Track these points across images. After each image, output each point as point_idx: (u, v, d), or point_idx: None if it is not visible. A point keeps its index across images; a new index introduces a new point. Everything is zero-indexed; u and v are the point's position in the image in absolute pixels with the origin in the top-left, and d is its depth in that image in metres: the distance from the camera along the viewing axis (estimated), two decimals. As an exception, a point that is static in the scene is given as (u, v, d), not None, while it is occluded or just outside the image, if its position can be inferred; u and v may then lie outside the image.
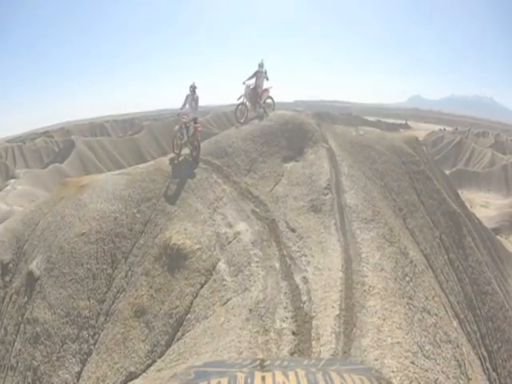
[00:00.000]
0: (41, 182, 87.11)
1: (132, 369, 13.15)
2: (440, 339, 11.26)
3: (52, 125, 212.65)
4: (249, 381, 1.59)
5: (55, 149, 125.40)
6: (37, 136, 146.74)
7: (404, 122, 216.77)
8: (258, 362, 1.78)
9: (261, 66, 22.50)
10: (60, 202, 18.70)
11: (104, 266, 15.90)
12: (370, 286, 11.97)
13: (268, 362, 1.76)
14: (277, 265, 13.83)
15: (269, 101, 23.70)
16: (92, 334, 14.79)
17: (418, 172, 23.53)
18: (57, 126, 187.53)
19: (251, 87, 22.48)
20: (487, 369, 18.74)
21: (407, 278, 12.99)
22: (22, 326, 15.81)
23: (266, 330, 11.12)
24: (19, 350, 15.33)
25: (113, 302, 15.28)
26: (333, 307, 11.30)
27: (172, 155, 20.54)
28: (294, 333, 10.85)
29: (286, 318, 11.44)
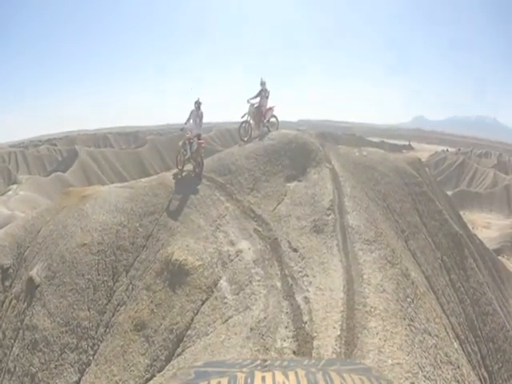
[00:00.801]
0: (43, 190, 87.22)
1: (131, 382, 13.15)
2: (440, 360, 11.21)
3: (55, 133, 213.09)
4: (249, 381, 1.61)
5: (58, 157, 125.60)
6: (40, 143, 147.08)
7: (407, 142, 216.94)
8: (258, 362, 1.80)
9: (263, 84, 22.61)
10: (62, 211, 18.78)
11: (105, 278, 15.95)
12: (371, 307, 11.96)
13: (268, 362, 1.78)
14: (278, 284, 13.79)
15: (273, 119, 23.75)
16: (91, 344, 14.80)
17: (420, 193, 23.54)
18: (60, 135, 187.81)
19: (255, 106, 22.59)
20: None
21: (408, 300, 12.96)
22: (20, 331, 15.83)
23: (267, 349, 11.09)
24: (17, 355, 15.35)
25: (113, 315, 15.30)
26: (334, 328, 11.29)
27: (175, 170, 20.64)
28: (294, 352, 10.81)
29: (287, 337, 11.40)
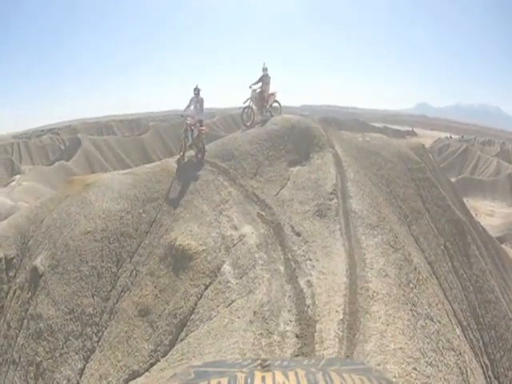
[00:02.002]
0: (46, 179, 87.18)
1: (135, 367, 13.18)
2: (443, 346, 11.24)
3: (58, 122, 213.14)
4: (249, 381, 1.60)
5: (61, 146, 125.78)
6: (43, 133, 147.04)
7: (410, 128, 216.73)
8: (258, 362, 1.78)
9: (265, 70, 22.63)
10: (66, 200, 18.80)
11: (109, 265, 15.98)
12: (373, 292, 11.99)
13: (268, 362, 1.77)
14: (281, 268, 13.83)
15: (275, 105, 23.80)
16: (96, 331, 14.83)
17: (423, 179, 23.50)
18: (63, 124, 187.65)
19: (257, 91, 22.65)
20: (489, 377, 18.68)
21: (411, 285, 12.97)
22: (25, 321, 15.86)
23: (270, 333, 11.13)
24: (22, 344, 15.39)
25: (117, 301, 15.33)
26: (336, 311, 11.31)
27: (178, 157, 20.68)
28: (297, 336, 10.86)
29: (290, 321, 11.44)
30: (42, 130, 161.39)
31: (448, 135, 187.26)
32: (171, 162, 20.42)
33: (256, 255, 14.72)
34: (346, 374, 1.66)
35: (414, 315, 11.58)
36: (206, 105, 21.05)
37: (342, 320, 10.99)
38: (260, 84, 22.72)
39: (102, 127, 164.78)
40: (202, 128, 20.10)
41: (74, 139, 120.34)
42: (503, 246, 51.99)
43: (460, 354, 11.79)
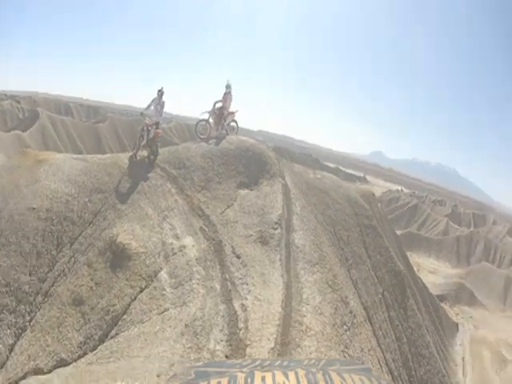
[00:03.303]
0: (2, 146, 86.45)
1: (63, 355, 12.96)
2: None
3: (19, 91, 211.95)
4: (249, 381, 1.82)
5: (20, 116, 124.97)
6: (5, 97, 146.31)
7: (362, 175, 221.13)
8: (258, 362, 2.06)
9: (228, 87, 22.73)
10: (17, 171, 18.54)
11: (49, 246, 15.66)
12: (307, 327, 12.06)
13: (268, 362, 2.02)
14: (218, 287, 13.83)
15: (233, 124, 23.91)
16: (29, 310, 14.47)
17: (369, 226, 23.92)
18: (24, 94, 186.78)
19: (217, 106, 22.63)
20: None
21: (345, 327, 13.20)
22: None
23: (200, 348, 11.08)
24: (-46, 310, 15.12)
25: (53, 284, 15.02)
26: (268, 339, 11.37)
27: (131, 154, 20.60)
28: (226, 356, 10.84)
29: (221, 340, 11.42)
30: (5, 95, 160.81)
31: (399, 188, 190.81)
32: (123, 158, 20.24)
33: (194, 268, 14.70)
34: (345, 374, 1.89)
35: (345, 356, 11.77)
36: (164, 108, 20.87)
37: (272, 349, 11.04)
38: (222, 101, 22.70)
39: (61, 106, 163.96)
40: (158, 131, 20.07)
41: (33, 111, 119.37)
42: (443, 304, 52.77)
43: (390, 404, 11.80)
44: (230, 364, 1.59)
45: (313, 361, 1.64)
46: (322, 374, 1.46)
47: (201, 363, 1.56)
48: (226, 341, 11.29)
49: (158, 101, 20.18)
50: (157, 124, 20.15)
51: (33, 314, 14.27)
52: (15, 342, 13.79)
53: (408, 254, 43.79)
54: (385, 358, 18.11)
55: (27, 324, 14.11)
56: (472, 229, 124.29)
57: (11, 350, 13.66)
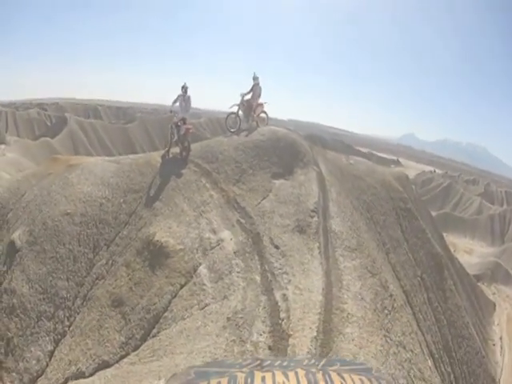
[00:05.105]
0: (30, 154, 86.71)
1: (105, 358, 13.05)
2: (414, 375, 11.30)
3: (45, 98, 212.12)
4: (249, 381, 1.60)
5: (47, 122, 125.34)
6: (31, 106, 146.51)
7: (395, 158, 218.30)
8: (258, 362, 1.78)
9: (255, 79, 22.62)
10: (48, 177, 18.79)
11: (85, 250, 15.88)
12: (348, 314, 11.97)
13: (268, 362, 1.77)
14: (258, 278, 13.80)
15: (262, 115, 23.79)
16: (68, 315, 14.71)
17: (404, 209, 23.79)
18: (50, 101, 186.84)
19: (245, 98, 22.65)
20: None
21: (386, 311, 13.04)
22: (-2, 294, 15.77)
23: (243, 341, 11.07)
24: (-6, 318, 15.29)
25: (91, 288, 15.21)
26: (310, 328, 11.26)
27: (163, 152, 20.72)
28: (270, 347, 10.81)
29: (264, 332, 11.39)
30: (31, 103, 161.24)
31: (432, 169, 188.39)
32: (156, 156, 20.37)
33: (233, 262, 14.69)
34: (346, 374, 1.66)
35: (387, 341, 11.61)
36: (193, 104, 21.12)
37: (315, 337, 10.95)
38: (251, 93, 22.67)
39: (90, 110, 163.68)
40: (189, 127, 20.07)
41: (61, 118, 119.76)
42: (479, 284, 52.30)
43: (431, 384, 11.74)
44: (229, 364, 1.65)
45: (313, 361, 1.71)
46: (322, 374, 1.52)
47: (201, 363, 1.63)
48: (269, 332, 11.30)
49: (183, 97, 20.27)
50: (183, 120, 20.20)
51: (72, 319, 14.50)
52: (55, 348, 13.98)
53: (444, 234, 43.49)
54: (426, 340, 18.05)
55: (66, 329, 14.33)
56: (505, 207, 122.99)
57: (51, 356, 13.86)
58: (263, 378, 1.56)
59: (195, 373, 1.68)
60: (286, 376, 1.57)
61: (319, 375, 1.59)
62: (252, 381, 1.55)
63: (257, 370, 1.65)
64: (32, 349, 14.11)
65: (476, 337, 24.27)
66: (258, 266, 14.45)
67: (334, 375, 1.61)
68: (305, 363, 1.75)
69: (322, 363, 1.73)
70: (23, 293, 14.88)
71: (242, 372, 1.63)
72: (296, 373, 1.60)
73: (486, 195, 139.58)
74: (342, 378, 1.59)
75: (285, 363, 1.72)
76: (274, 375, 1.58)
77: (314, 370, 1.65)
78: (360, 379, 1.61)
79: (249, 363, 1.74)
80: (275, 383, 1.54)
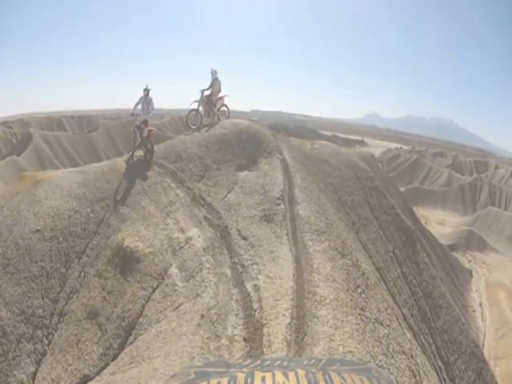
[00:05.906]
0: None
1: (86, 371, 12.99)
2: (393, 350, 11.41)
3: (10, 115, 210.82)
4: (249, 381, 1.60)
5: (13, 140, 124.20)
6: None
7: (360, 138, 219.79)
8: (258, 362, 1.81)
9: (214, 73, 22.72)
10: (16, 196, 18.49)
11: (58, 265, 15.68)
12: (321, 296, 12.06)
13: (268, 362, 1.80)
14: (228, 272, 13.88)
15: (223, 109, 23.96)
16: (46, 334, 14.53)
17: (372, 187, 23.99)
18: (15, 118, 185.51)
19: (205, 94, 22.74)
20: (444, 379, 19.02)
21: (359, 290, 13.18)
22: (-24, 321, 15.56)
23: (218, 336, 11.11)
24: (-26, 345, 15.09)
25: (66, 303, 15.08)
26: (284, 315, 11.37)
27: (127, 156, 20.68)
28: (245, 339, 10.85)
29: (238, 324, 11.44)
30: None
31: (398, 146, 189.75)
32: (120, 162, 20.34)
33: (203, 258, 14.79)
34: (346, 374, 1.67)
35: (362, 320, 11.74)
36: (156, 105, 20.95)
37: (289, 324, 11.05)
38: (210, 88, 22.75)
39: (54, 122, 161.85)
40: (151, 128, 20.04)
41: (26, 134, 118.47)
42: (454, 253, 52.90)
43: (412, 356, 12.07)
44: (229, 364, 1.66)
45: (313, 361, 1.73)
46: (322, 374, 1.54)
47: (201, 363, 1.61)
48: (243, 324, 11.34)
49: (145, 99, 20.20)
50: (145, 122, 20.16)
51: (50, 337, 14.35)
52: (37, 369, 13.82)
53: (414, 208, 43.82)
54: (403, 314, 18.24)
55: (46, 348, 14.16)
56: (475, 176, 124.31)
57: (34, 377, 13.71)
58: (263, 378, 1.58)
59: (195, 373, 1.70)
60: (286, 376, 1.59)
61: (319, 375, 1.61)
62: (252, 381, 1.56)
63: (257, 370, 1.66)
64: (15, 372, 13.85)
65: (454, 305, 24.61)
66: (228, 260, 14.52)
67: (334, 375, 1.62)
68: (305, 363, 1.78)
69: (322, 363, 1.78)
70: (1, 316, 14.58)
71: (241, 372, 1.64)
72: (296, 373, 1.62)
73: (455, 166, 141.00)
74: (342, 378, 1.61)
75: (285, 363, 1.77)
76: (274, 375, 1.60)
77: (313, 369, 1.66)
78: (360, 379, 1.63)
79: (249, 363, 1.77)
80: (275, 383, 1.55)
